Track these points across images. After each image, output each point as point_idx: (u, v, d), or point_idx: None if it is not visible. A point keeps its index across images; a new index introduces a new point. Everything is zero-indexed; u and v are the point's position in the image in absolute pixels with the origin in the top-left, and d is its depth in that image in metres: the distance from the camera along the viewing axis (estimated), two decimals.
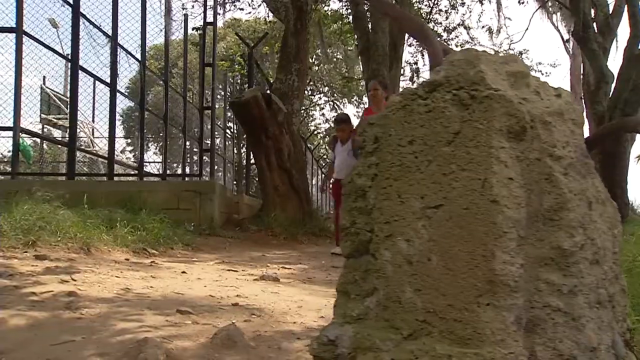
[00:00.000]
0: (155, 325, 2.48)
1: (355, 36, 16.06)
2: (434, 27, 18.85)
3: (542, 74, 20.80)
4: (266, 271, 4.71)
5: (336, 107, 28.51)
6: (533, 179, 1.12)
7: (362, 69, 15.04)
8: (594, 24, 10.99)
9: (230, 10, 13.44)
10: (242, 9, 17.45)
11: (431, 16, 18.76)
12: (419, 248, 1.07)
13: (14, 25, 9.02)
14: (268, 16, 16.07)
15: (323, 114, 29.56)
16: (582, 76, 13.79)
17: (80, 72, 10.02)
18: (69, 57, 10.65)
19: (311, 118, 29.73)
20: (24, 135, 10.02)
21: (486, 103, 1.10)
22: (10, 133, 9.23)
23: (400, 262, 1.09)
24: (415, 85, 1.15)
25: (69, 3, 10.14)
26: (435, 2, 18.66)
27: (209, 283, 3.88)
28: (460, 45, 19.10)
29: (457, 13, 19.07)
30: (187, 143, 14.92)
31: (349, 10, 17.34)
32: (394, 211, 1.13)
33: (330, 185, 7.42)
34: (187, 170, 16.23)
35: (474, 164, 1.06)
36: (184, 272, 4.31)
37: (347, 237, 1.16)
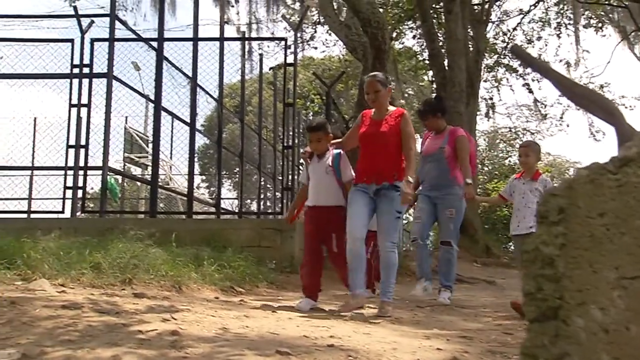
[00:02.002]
0: None
1: (431, 73, 16.06)
2: (509, 62, 18.62)
3: (626, 108, 20.15)
4: (354, 311, 4.66)
5: None
6: None
7: None
8: None
9: (304, 49, 13.74)
10: (315, 48, 17.75)
11: (506, 51, 18.53)
12: (615, 317, 1.03)
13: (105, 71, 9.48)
14: (343, 55, 16.32)
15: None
16: None
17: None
18: (150, 97, 11.10)
19: None
20: (111, 173, 10.43)
21: None
22: (99, 172, 9.64)
23: (595, 330, 1.05)
24: (605, 161, 1.13)
25: (154, 47, 10.58)
26: (511, 37, 18.45)
27: (300, 323, 3.86)
28: (537, 79, 18.72)
29: (533, 47, 18.75)
30: (262, 180, 15.15)
31: (423, 47, 17.39)
32: (586, 280, 1.09)
33: (302, 215, 5.42)
34: (262, 207, 16.46)
35: None
36: (274, 311, 4.31)
37: (532, 302, 1.14)
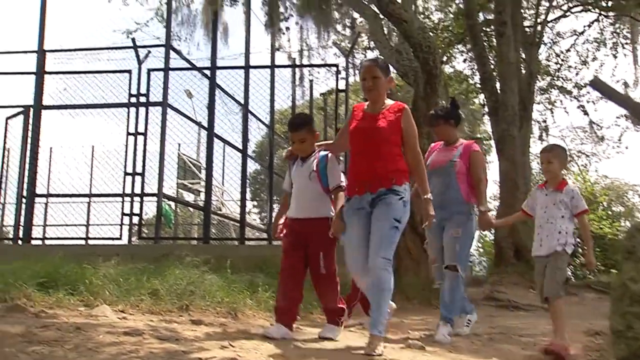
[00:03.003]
0: None
1: (482, 96, 15.90)
2: (562, 83, 18.29)
3: None
4: (410, 338, 4.58)
5: None
6: None
7: (491, 129, 14.76)
8: None
9: (355, 75, 13.80)
10: None
11: (559, 73, 18.22)
12: None
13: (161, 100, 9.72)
14: (395, 79, 16.26)
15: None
16: None
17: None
18: (202, 124, 11.32)
19: None
20: (165, 200, 10.64)
21: None
22: (154, 198, 9.84)
23: None
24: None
25: (207, 76, 10.81)
26: (564, 59, 18.13)
27: (358, 350, 3.82)
28: (593, 101, 18.30)
29: (588, 68, 18.37)
30: None
31: (474, 70, 17.25)
32: None
33: (281, 229, 4.42)
34: None
35: None
36: (330, 338, 4.28)
37: (621, 340, 1.08)
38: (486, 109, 15.92)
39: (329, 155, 4.33)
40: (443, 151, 5.25)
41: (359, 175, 4.04)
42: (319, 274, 4.26)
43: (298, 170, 4.37)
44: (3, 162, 10.63)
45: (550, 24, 17.31)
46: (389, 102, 4.16)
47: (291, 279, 4.25)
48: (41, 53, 10.26)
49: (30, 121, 9.97)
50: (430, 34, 12.15)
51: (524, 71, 14.34)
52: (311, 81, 13.37)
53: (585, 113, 18.79)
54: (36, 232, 11.56)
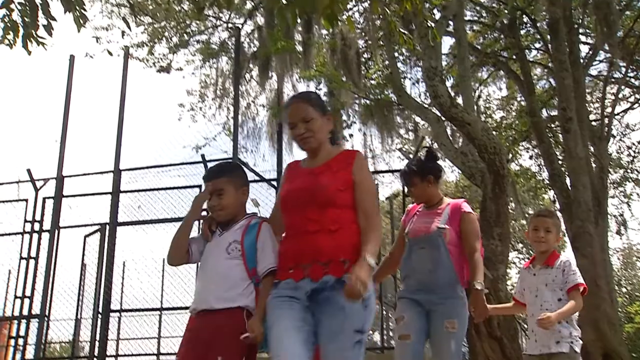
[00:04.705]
0: None
1: (553, 192, 15.53)
2: (637, 175, 17.73)
3: None
4: None
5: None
6: None
7: (564, 226, 14.29)
8: None
9: None
10: None
11: (633, 165, 17.73)
12: None
13: None
14: (458, 179, 16.22)
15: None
16: None
17: None
18: None
19: (507, 277, 28.48)
20: None
21: None
22: None
23: None
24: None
25: (274, 186, 11.03)
26: (636, 151, 17.67)
27: None
28: None
29: None
30: (383, 310, 14.78)
31: (541, 166, 16.98)
32: None
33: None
34: (385, 339, 15.95)
35: None
36: None
37: None
38: (557, 205, 15.49)
39: (264, 223, 3.05)
40: (425, 216, 4.16)
41: (293, 255, 2.82)
42: None
43: (215, 241, 3.05)
44: (80, 278, 10.93)
45: (617, 117, 17.05)
46: (334, 149, 3.06)
47: None
48: (117, 173, 10.73)
49: (107, 238, 10.29)
50: (494, 132, 12.12)
51: (594, 165, 14.00)
52: (377, 185, 13.43)
53: None
54: (110, 346, 11.63)
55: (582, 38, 15.08)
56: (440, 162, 4.44)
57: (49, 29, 4.78)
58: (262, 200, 12.11)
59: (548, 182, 15.64)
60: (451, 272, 3.89)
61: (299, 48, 12.65)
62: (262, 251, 2.96)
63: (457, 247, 3.96)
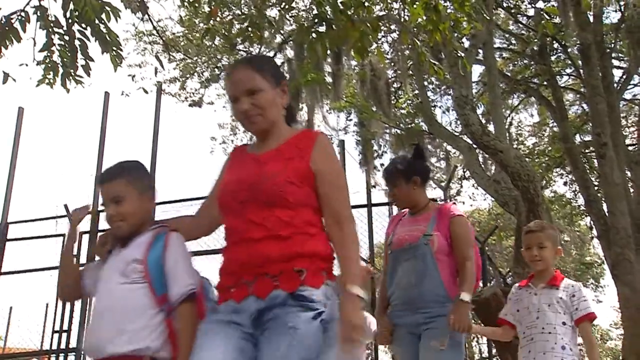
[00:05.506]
0: None
1: (589, 219, 15.26)
2: None
3: None
4: None
5: None
6: None
7: (602, 253, 14.00)
8: None
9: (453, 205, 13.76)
10: (463, 203, 17.74)
11: None
12: None
13: None
14: (492, 207, 16.04)
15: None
16: None
17: None
18: None
19: None
20: None
21: None
22: None
23: None
24: None
25: None
26: None
27: None
28: None
29: None
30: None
31: (576, 193, 16.73)
32: None
33: None
34: None
35: None
36: None
37: None
38: (594, 232, 15.21)
39: (172, 234, 2.31)
40: (409, 223, 3.57)
41: (234, 267, 2.09)
42: None
43: (110, 262, 2.30)
44: None
45: None
46: (290, 131, 2.30)
47: None
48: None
49: None
50: (527, 159, 12.01)
51: (632, 191, 13.74)
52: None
53: None
54: None
55: (615, 62, 14.94)
56: (428, 162, 3.84)
57: (87, 68, 4.95)
58: None
59: (584, 208, 15.39)
60: (438, 286, 3.33)
61: (329, 79, 12.76)
62: (174, 269, 2.21)
63: (447, 257, 3.40)
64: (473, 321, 3.43)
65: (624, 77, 14.95)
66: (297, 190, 2.08)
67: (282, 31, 12.88)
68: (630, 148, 15.35)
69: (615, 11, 14.32)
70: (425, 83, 13.59)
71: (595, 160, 13.88)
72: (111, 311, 2.16)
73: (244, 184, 2.13)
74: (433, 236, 3.40)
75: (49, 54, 4.97)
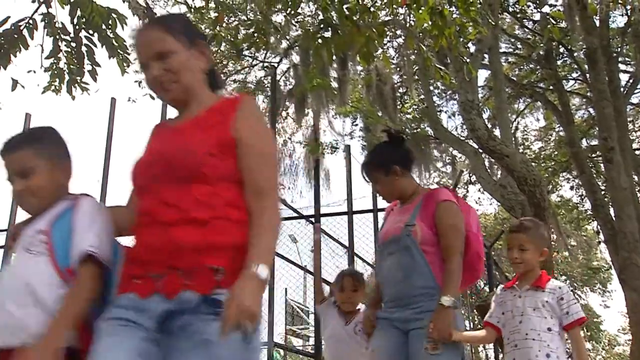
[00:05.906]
0: None
1: (596, 223, 15.21)
2: None
3: None
4: None
5: (577, 296, 26.48)
6: None
7: (610, 258, 13.95)
8: None
9: None
10: None
11: None
12: None
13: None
14: (497, 212, 16.00)
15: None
16: None
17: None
18: (308, 269, 11.38)
19: None
20: (277, 349, 10.53)
21: None
22: (265, 346, 9.75)
23: None
24: None
25: (311, 222, 11.01)
26: None
27: None
28: None
29: None
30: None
31: (583, 197, 16.67)
32: None
33: None
34: None
35: None
36: None
37: None
38: (601, 236, 15.15)
39: (85, 198, 2.00)
40: (397, 214, 3.24)
41: (144, 252, 1.78)
42: None
43: (18, 240, 1.96)
44: None
45: None
46: (212, 97, 2.01)
47: None
48: None
49: None
50: (533, 164, 11.98)
51: (639, 195, 13.69)
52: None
53: None
54: None
55: (622, 66, 14.90)
56: (406, 146, 3.39)
57: (93, 74, 4.97)
58: (300, 237, 12.14)
59: (591, 213, 15.33)
60: (429, 279, 2.99)
61: (335, 85, 12.77)
62: (78, 230, 1.88)
63: (435, 247, 3.04)
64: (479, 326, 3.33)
65: (631, 81, 14.91)
66: (218, 163, 1.79)
67: (287, 37, 12.91)
68: (637, 152, 15.31)
69: (622, 15, 14.28)
70: (431, 88, 13.58)
71: (602, 165, 13.83)
72: (13, 291, 1.82)
73: (157, 157, 1.86)
74: (415, 226, 3.03)
75: (55, 61, 5.00)
